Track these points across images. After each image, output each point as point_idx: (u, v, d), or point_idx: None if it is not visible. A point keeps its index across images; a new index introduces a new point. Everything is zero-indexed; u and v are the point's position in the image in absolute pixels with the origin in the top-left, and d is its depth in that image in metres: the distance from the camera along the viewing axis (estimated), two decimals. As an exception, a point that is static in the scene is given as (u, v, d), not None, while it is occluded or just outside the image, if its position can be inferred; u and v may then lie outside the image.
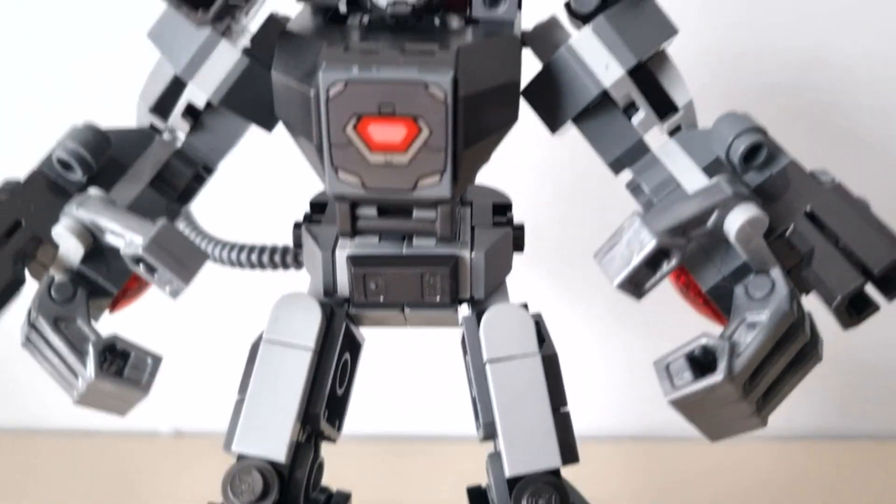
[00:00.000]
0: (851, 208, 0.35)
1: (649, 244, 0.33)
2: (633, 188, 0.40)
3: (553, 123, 0.40)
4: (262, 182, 0.70)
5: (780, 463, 0.77)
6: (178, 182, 0.43)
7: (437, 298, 0.41)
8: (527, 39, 0.41)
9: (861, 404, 0.82)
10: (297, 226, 0.44)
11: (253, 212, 0.67)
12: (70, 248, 0.37)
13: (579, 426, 0.40)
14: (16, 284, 0.37)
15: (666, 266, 0.34)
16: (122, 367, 0.37)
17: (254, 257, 0.48)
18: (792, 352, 0.34)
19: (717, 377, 0.32)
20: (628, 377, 0.81)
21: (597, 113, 0.39)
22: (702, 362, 0.34)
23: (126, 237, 0.36)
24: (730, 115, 0.38)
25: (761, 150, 0.36)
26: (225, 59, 0.39)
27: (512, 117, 0.37)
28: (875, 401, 0.82)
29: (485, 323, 0.40)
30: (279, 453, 0.39)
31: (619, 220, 0.38)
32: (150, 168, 0.41)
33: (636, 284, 0.34)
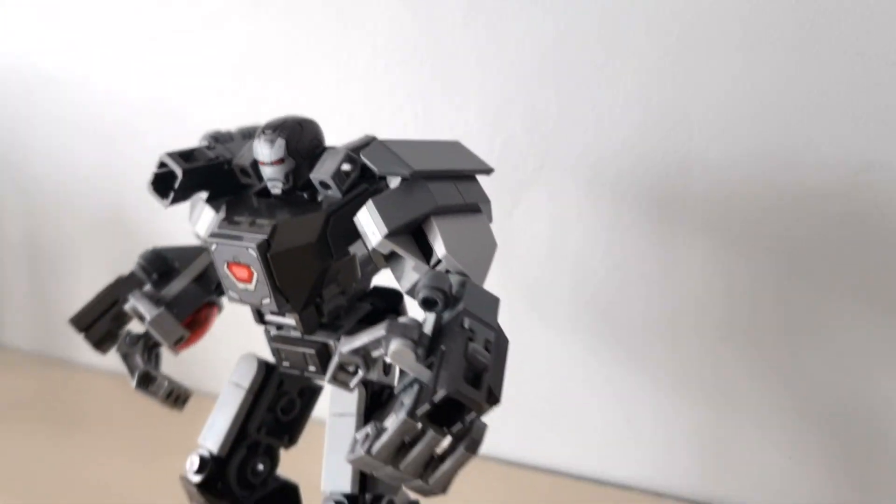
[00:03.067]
0: (454, 351, 0.48)
1: (334, 360, 0.52)
2: None
3: (375, 262, 0.59)
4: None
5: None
6: (214, 278, 0.71)
7: (314, 369, 0.63)
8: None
9: None
10: None
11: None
12: (134, 317, 0.68)
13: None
14: (111, 335, 0.69)
15: (360, 372, 0.53)
16: (149, 385, 0.67)
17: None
18: (430, 444, 0.49)
19: (360, 452, 0.50)
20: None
21: (390, 258, 0.58)
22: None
23: (146, 316, 0.66)
24: (432, 273, 0.52)
25: (435, 303, 0.51)
26: (206, 216, 0.66)
27: (318, 263, 0.58)
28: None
29: (332, 388, 0.62)
30: (215, 447, 0.65)
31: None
32: (194, 271, 0.71)
33: (341, 382, 0.53)
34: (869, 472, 0.83)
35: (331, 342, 0.62)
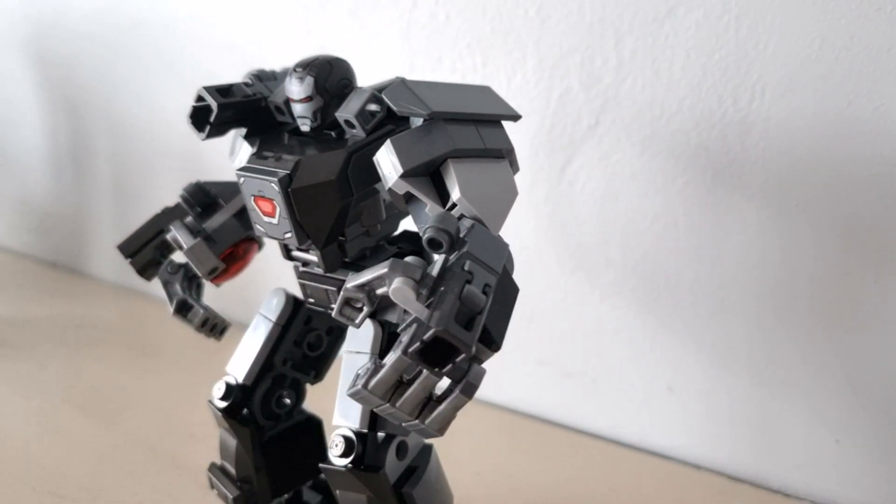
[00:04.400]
0: (449, 291, 0.48)
1: (342, 293, 0.53)
2: None
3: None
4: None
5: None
6: None
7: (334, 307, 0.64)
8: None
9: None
10: None
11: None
12: (175, 246, 0.71)
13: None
14: (155, 262, 0.73)
15: (366, 308, 0.53)
16: (187, 313, 0.70)
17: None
18: (427, 384, 0.50)
19: (358, 386, 0.51)
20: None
21: (410, 200, 0.58)
22: None
23: (183, 245, 0.69)
24: (439, 213, 0.52)
25: (439, 244, 0.51)
26: (244, 152, 0.67)
27: (338, 199, 0.58)
28: None
29: (350, 329, 0.63)
30: (241, 376, 0.68)
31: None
32: (234, 206, 0.73)
33: (346, 317, 0.54)
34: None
35: (351, 280, 0.63)
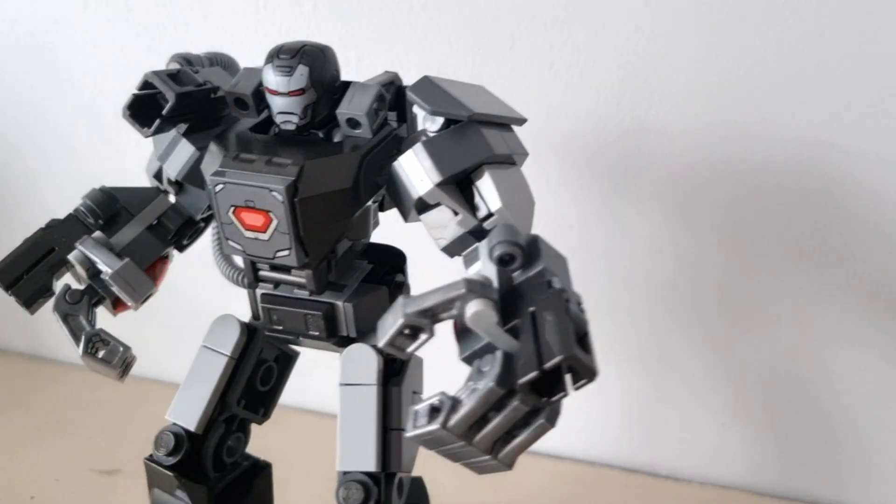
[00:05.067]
0: (553, 313, 0.44)
1: (399, 321, 0.46)
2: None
3: (402, 215, 0.53)
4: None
5: None
6: (171, 226, 0.61)
7: (317, 333, 0.56)
8: (403, 145, 0.54)
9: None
10: None
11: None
12: (79, 269, 0.57)
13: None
14: (45, 289, 0.57)
15: (423, 336, 0.47)
16: (101, 350, 0.56)
17: (231, 275, 0.64)
18: (511, 416, 0.44)
19: (435, 426, 0.44)
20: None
21: (431, 210, 0.52)
22: (437, 411, 0.46)
23: (103, 268, 0.55)
24: (504, 226, 0.48)
25: (513, 259, 0.46)
26: (183, 152, 0.56)
27: (348, 211, 0.51)
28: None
29: (343, 356, 0.55)
30: (192, 424, 0.56)
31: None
32: (148, 216, 0.60)
33: (397, 348, 0.47)
34: (798, 437, 0.89)
35: (339, 303, 0.55)
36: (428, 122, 0.52)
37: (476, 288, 0.45)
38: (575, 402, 0.90)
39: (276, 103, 0.52)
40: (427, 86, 0.51)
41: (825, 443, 0.89)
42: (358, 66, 0.87)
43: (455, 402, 0.44)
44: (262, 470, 0.62)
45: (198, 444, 0.56)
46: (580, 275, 0.86)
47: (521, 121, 0.56)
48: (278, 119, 0.52)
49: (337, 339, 0.56)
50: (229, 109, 0.54)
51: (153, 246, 0.60)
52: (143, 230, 0.59)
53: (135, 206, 0.60)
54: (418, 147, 0.50)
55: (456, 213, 0.52)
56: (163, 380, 1.01)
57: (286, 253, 0.50)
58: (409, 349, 0.48)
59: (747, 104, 0.80)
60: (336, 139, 0.53)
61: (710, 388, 0.89)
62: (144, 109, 0.52)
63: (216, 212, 0.51)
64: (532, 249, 0.48)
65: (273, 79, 0.51)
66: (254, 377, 0.59)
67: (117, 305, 0.60)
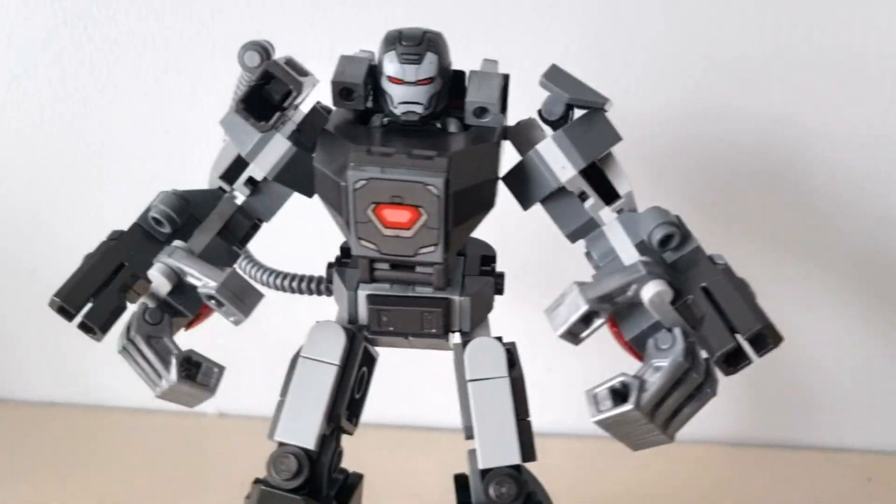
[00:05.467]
0: (734, 287, 0.47)
1: (582, 308, 0.46)
2: (586, 254, 0.53)
3: (525, 204, 0.52)
4: (304, 225, 0.82)
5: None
6: (239, 232, 0.56)
7: (433, 331, 0.53)
8: (509, 135, 0.53)
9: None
10: (329, 265, 0.57)
11: (296, 249, 0.79)
12: (161, 284, 0.50)
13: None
14: (119, 310, 0.50)
15: (597, 322, 0.47)
16: (196, 373, 0.51)
17: (295, 284, 0.60)
18: (688, 389, 0.46)
19: (628, 406, 0.45)
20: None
21: (557, 197, 0.52)
22: (620, 393, 0.46)
23: (202, 281, 0.49)
24: (655, 208, 0.50)
25: (673, 239, 0.48)
26: (278, 148, 0.51)
27: (491, 203, 0.50)
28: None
29: (468, 351, 0.53)
30: (310, 442, 0.52)
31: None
32: (217, 221, 0.54)
33: (573, 335, 0.47)
34: (770, 387, 0.97)
35: (455, 298, 0.53)
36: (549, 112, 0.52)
37: (654, 269, 0.46)
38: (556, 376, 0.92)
39: (398, 93, 0.49)
40: (560, 74, 0.51)
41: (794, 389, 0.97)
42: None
43: (642, 382, 0.45)
44: (357, 482, 0.58)
45: (313, 462, 0.52)
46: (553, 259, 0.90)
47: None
48: (399, 109, 0.50)
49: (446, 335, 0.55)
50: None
51: (227, 253, 0.55)
52: (215, 236, 0.54)
53: (200, 210, 0.54)
54: (559, 135, 0.50)
55: (581, 197, 0.52)
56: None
57: (431, 249, 0.48)
58: (584, 335, 0.48)
59: (703, 84, 0.86)
60: (451, 129, 0.51)
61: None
62: (252, 103, 0.48)
63: (348, 211, 0.47)
64: (685, 228, 0.49)
65: (398, 67, 0.48)
66: (355, 385, 0.56)
67: (193, 322, 0.54)
